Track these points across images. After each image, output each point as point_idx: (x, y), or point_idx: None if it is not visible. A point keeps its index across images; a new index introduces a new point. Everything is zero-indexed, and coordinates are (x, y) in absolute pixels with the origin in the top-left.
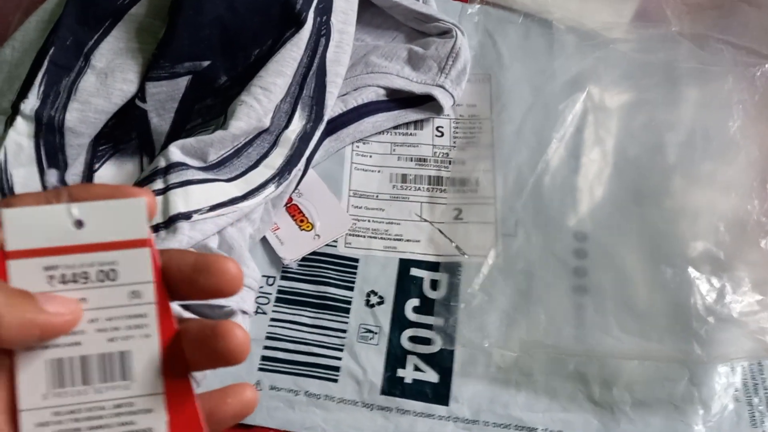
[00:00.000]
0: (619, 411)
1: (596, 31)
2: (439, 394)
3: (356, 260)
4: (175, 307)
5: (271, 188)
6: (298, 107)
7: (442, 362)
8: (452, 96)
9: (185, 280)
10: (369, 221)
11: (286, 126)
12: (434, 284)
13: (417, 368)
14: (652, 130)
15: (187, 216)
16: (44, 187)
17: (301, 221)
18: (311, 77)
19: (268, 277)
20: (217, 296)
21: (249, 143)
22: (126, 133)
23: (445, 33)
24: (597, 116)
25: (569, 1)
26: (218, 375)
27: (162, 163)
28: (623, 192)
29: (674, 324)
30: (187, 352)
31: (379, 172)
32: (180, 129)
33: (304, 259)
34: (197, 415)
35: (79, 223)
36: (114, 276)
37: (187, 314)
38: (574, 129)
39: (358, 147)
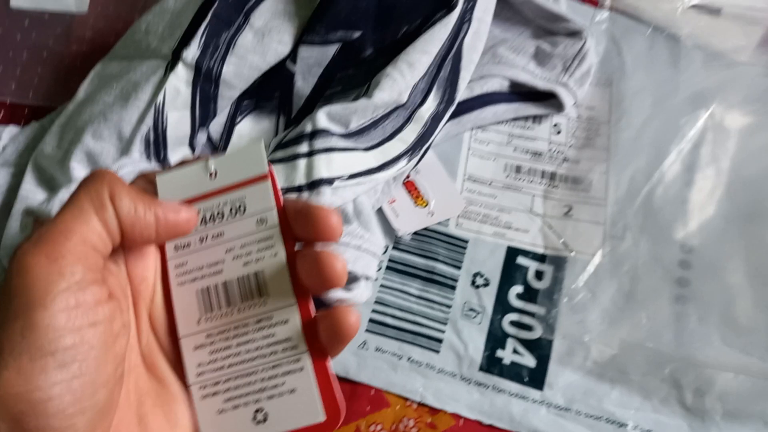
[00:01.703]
0: (709, 419)
1: (724, 51)
2: (535, 378)
3: (466, 241)
4: None
5: (403, 162)
6: (434, 87)
7: (541, 349)
8: (574, 96)
9: (291, 223)
10: (481, 206)
11: (421, 104)
12: (539, 275)
13: (516, 351)
14: None
15: (329, 182)
16: (192, 137)
17: (417, 197)
18: (449, 60)
19: None
20: (316, 239)
21: (386, 116)
22: (269, 92)
23: (573, 34)
24: (716, 135)
25: (698, 18)
26: None
27: (308, 127)
28: (734, 211)
29: None
30: (300, 275)
31: (494, 160)
32: (319, 94)
33: (416, 233)
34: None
35: (213, 174)
36: (243, 209)
37: None
38: (692, 145)
39: (476, 133)
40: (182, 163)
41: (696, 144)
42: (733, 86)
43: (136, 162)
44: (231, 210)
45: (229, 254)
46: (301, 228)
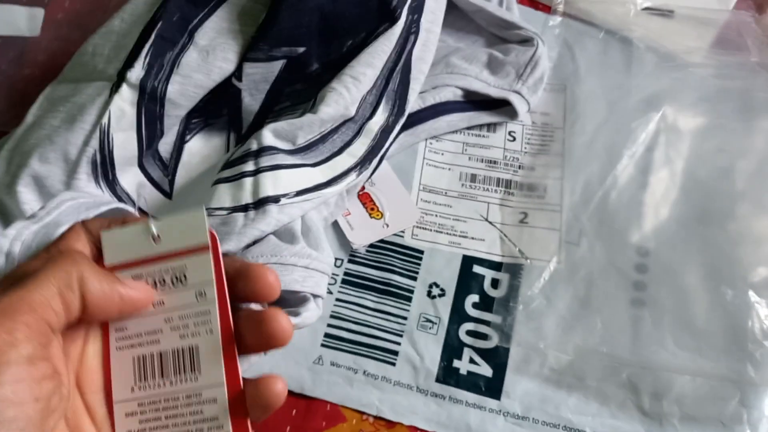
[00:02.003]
0: (667, 423)
1: (676, 53)
2: (492, 387)
3: (421, 252)
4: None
5: (352, 176)
6: (383, 100)
7: (497, 358)
8: (528, 103)
9: (230, 283)
10: (436, 216)
11: (370, 117)
12: (495, 283)
13: (472, 361)
14: (724, 155)
15: (275, 200)
16: (141, 160)
17: (372, 209)
18: (397, 72)
19: (337, 259)
20: (255, 300)
21: (334, 130)
22: (217, 109)
23: (525, 41)
24: (669, 137)
25: (651, 20)
26: (286, 348)
27: (254, 145)
28: (688, 212)
29: (730, 344)
30: (244, 336)
31: (449, 169)
32: (268, 110)
33: (371, 245)
34: (245, 407)
35: (156, 237)
36: (184, 279)
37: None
38: (645, 148)
39: (431, 144)
40: (126, 221)
41: (649, 147)
42: (686, 88)
43: (82, 188)
44: (172, 279)
45: (167, 324)
46: (240, 288)
